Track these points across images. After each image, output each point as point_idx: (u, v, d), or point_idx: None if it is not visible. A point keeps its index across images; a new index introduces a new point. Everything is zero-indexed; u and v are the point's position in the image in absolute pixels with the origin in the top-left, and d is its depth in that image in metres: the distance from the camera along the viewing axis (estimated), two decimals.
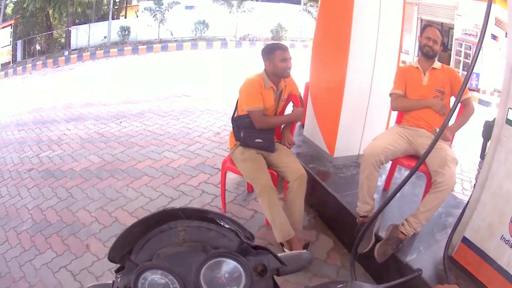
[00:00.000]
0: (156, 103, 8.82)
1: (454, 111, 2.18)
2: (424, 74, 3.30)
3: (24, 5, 22.62)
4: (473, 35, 13.58)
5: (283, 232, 3.04)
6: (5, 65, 21.04)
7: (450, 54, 17.59)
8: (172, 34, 22.26)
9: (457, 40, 16.37)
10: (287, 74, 3.28)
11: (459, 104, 2.96)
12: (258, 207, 3.83)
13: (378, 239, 2.90)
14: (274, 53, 3.21)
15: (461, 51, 16.80)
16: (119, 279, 0.98)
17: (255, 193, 3.51)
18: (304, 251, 1.35)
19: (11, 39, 21.47)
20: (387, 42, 3.95)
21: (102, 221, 4.30)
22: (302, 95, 3.74)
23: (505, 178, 2.30)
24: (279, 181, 3.48)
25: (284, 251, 2.70)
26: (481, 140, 6.00)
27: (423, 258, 2.73)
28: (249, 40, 21.61)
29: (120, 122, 7.73)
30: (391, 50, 4.00)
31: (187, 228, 1.01)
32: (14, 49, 22.24)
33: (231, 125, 3.54)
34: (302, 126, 5.03)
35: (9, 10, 23.89)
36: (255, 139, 3.29)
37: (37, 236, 4.30)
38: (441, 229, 3.08)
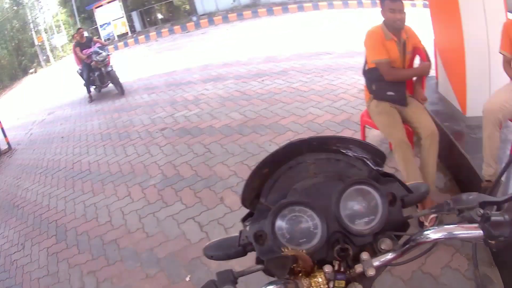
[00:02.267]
0: (299, 61, 8.53)
1: None
2: None
3: None
4: None
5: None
6: (123, 36, 22.20)
7: None
8: None
9: None
10: (398, 25, 3.22)
11: None
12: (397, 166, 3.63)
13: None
14: (384, 1, 3.21)
15: None
16: (247, 227, 0.99)
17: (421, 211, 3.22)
18: (421, 182, 1.36)
19: (123, 12, 22.66)
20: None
21: (241, 175, 4.32)
22: (429, 50, 3.64)
23: None
24: (415, 142, 3.57)
25: (417, 211, 2.87)
26: None
27: None
28: None
29: (262, 80, 7.61)
30: (498, 8, 3.78)
31: (316, 161, 1.03)
32: (130, 21, 23.43)
33: (364, 79, 3.60)
34: (437, 83, 4.98)
35: None
36: (386, 92, 3.34)
37: (166, 190, 4.46)
38: None
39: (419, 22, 3.37)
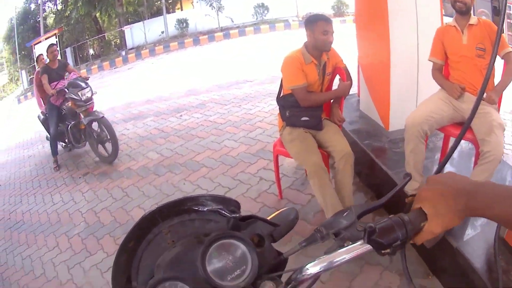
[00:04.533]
0: (218, 92, 9.14)
1: (492, 69, 1.98)
2: (463, 32, 3.20)
3: (66, 14, 24.35)
4: None
5: (334, 209, 3.05)
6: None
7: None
8: (232, 21, 22.64)
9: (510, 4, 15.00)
10: (328, 48, 3.30)
11: (502, 61, 2.97)
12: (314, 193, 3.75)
13: None
14: (316, 23, 3.24)
15: None
16: None
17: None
18: (287, 207, 1.25)
19: (58, 48, 22.84)
20: (427, 8, 3.96)
21: None
22: (353, 67, 3.78)
23: None
24: (331, 167, 3.51)
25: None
26: None
27: (474, 242, 2.65)
28: None
29: (181, 116, 8.12)
30: (432, 15, 3.99)
31: (171, 228, 1.01)
32: (64, 57, 23.71)
33: (278, 106, 3.65)
34: (359, 100, 5.09)
35: (50, 21, 25.78)
36: (301, 118, 3.36)
37: (89, 239, 4.64)
38: None
39: (346, 39, 3.56)
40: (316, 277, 0.89)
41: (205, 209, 1.03)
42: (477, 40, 3.15)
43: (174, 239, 1.00)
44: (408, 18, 3.91)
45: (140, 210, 4.86)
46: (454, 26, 3.24)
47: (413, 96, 4.18)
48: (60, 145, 7.47)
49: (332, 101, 3.59)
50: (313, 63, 3.35)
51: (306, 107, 3.37)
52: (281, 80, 3.54)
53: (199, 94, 9.39)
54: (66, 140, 7.27)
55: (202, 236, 0.97)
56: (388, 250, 0.86)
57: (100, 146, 6.62)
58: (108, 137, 6.34)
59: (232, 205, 1.05)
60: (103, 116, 6.31)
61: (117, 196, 5.46)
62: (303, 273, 0.87)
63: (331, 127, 3.46)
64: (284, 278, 0.93)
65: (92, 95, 6.51)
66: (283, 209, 1.20)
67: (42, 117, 7.52)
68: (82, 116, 6.51)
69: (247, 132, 6.15)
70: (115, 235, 4.55)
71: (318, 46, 3.28)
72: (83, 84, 6.45)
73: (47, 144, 8.05)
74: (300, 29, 17.60)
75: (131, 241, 0.99)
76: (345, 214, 0.94)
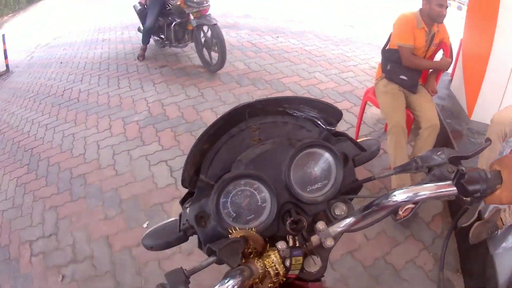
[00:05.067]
0: (320, 26, 8.41)
1: None
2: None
3: None
4: None
5: (401, 180, 3.09)
6: None
7: None
8: None
9: None
10: (440, 20, 3.34)
11: None
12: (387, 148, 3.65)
13: (479, 217, 2.88)
14: None
15: None
16: (187, 210, 0.91)
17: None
18: (372, 137, 1.10)
19: None
20: None
21: None
22: (452, 47, 3.76)
23: None
24: (412, 130, 3.69)
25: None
26: None
27: (510, 256, 2.60)
28: None
29: (277, 37, 7.47)
30: None
31: (261, 125, 0.98)
32: None
33: (381, 56, 3.68)
34: (451, 80, 5.12)
35: None
36: (400, 75, 3.46)
37: (147, 128, 4.45)
38: None
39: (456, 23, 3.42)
40: (396, 206, 0.87)
41: (301, 115, 0.99)
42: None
43: (262, 137, 0.97)
44: None
45: (212, 113, 4.64)
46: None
47: (499, 97, 4.11)
48: (152, 39, 6.60)
49: (430, 71, 3.66)
50: (424, 29, 3.39)
51: (407, 67, 3.44)
52: (390, 34, 3.58)
53: (299, 23, 8.59)
54: (163, 36, 6.34)
55: (295, 140, 0.95)
56: (468, 199, 0.87)
57: (205, 52, 5.72)
58: (216, 46, 5.36)
59: (332, 114, 1.00)
60: (216, 24, 5.25)
61: (191, 94, 5.16)
62: (389, 199, 0.86)
63: (424, 94, 3.51)
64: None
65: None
66: (367, 138, 1.09)
67: (139, 7, 6.59)
68: (192, 16, 5.56)
69: (339, 71, 5.80)
70: (177, 131, 4.35)
71: (432, 16, 3.31)
72: None
73: (128, 32, 7.75)
74: None
75: (207, 141, 0.94)
76: (438, 153, 0.94)
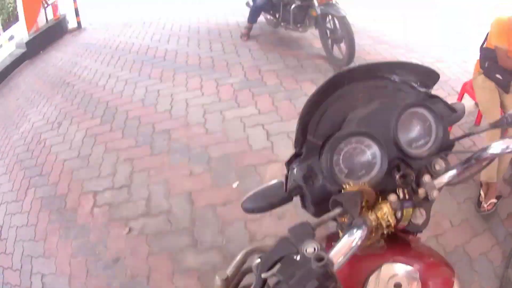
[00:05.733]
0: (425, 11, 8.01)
1: None
2: None
3: None
4: None
5: (489, 173, 3.06)
6: None
7: None
8: None
9: None
10: None
11: None
12: (477, 138, 3.67)
13: None
14: None
15: None
16: (294, 170, 0.96)
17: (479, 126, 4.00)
18: (459, 102, 1.19)
19: None
20: None
21: None
22: None
23: None
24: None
25: (480, 193, 3.05)
26: None
27: None
28: None
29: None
30: None
31: (365, 88, 1.02)
32: None
33: (479, 53, 3.65)
34: None
35: None
36: (496, 73, 3.48)
37: (243, 92, 4.28)
38: None
39: None
40: (493, 158, 0.95)
41: (398, 79, 1.04)
42: None
43: (365, 99, 1.01)
44: None
45: (313, 85, 4.36)
46: None
47: None
48: (263, 16, 5.98)
49: None
50: None
51: (503, 67, 3.45)
52: (488, 32, 3.56)
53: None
54: (278, 16, 5.63)
55: (394, 101, 1.01)
56: None
57: (330, 42, 5.04)
58: (344, 40, 4.73)
59: (429, 77, 1.06)
60: (345, 16, 4.60)
61: (290, 63, 4.93)
62: (488, 151, 0.92)
63: None
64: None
65: None
66: (455, 102, 1.13)
67: None
68: (315, 2, 4.83)
69: (434, 60, 5.45)
70: (275, 97, 4.15)
71: None
72: None
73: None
74: None
75: (324, 89, 0.98)
76: None
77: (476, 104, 3.80)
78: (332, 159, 0.89)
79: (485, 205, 3.09)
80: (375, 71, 1.03)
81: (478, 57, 3.75)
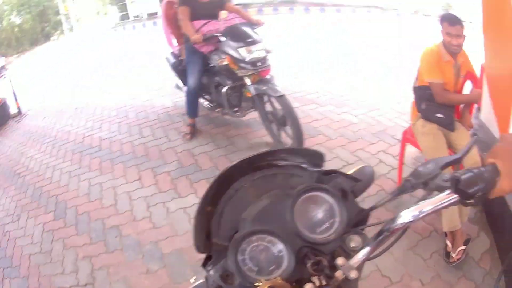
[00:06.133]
0: (341, 59, 8.53)
1: None
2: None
3: None
4: None
5: (451, 222, 3.02)
6: (152, 15, 21.05)
7: None
8: None
9: None
10: (453, 50, 3.30)
11: None
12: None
13: None
14: (442, 24, 3.29)
15: None
16: (211, 272, 0.98)
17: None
18: (365, 165, 1.19)
19: None
20: None
21: None
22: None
23: None
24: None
25: (447, 243, 2.97)
26: None
27: None
28: (423, 14, 18.96)
29: (295, 78, 7.46)
30: None
31: (253, 182, 1.04)
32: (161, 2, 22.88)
33: (413, 95, 3.62)
34: (479, 108, 4.68)
35: None
36: (435, 113, 3.39)
37: (181, 180, 4.35)
38: None
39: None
40: (405, 227, 0.92)
41: (286, 163, 1.06)
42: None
43: (258, 193, 1.02)
44: None
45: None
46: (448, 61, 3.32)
47: None
48: (204, 103, 5.39)
49: (462, 106, 3.64)
50: (451, 62, 3.35)
51: (441, 103, 3.37)
52: (418, 69, 3.50)
53: (319, 61, 8.57)
54: (208, 97, 5.28)
55: (289, 189, 1.00)
56: (472, 201, 0.89)
57: (274, 127, 4.51)
58: (287, 121, 4.21)
59: (317, 157, 1.08)
60: (282, 95, 4.11)
61: (220, 143, 5.03)
62: (397, 222, 0.91)
63: (462, 130, 3.45)
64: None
65: (266, 55, 4.35)
66: (361, 166, 1.17)
67: (172, 60, 5.70)
68: (248, 81, 4.33)
69: (367, 110, 5.69)
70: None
71: (445, 46, 3.31)
72: (252, 37, 4.30)
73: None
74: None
75: (208, 205, 1.01)
76: (429, 165, 0.97)
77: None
78: (237, 261, 0.90)
79: (454, 255, 2.97)
80: (260, 161, 1.05)
81: (412, 98, 3.63)
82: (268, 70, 4.40)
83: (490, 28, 4.26)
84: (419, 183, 0.95)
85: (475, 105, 4.09)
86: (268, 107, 4.42)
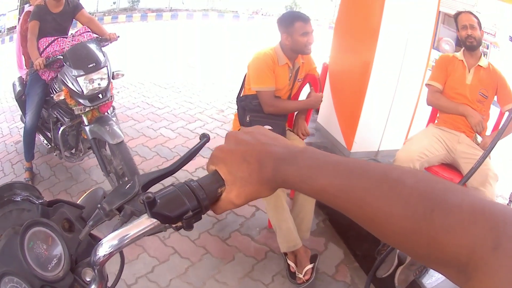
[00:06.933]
0: (160, 72, 8.44)
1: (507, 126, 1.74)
2: (469, 71, 3.15)
3: None
4: (491, 34, 12.51)
5: (289, 242, 2.80)
6: (11, 30, 20.10)
7: None
8: (183, 3, 21.68)
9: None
10: (308, 50, 3.03)
11: (507, 113, 3.03)
12: (261, 205, 3.54)
13: (400, 262, 2.78)
14: (294, 25, 2.93)
15: None
16: None
17: None
18: (95, 187, 1.10)
19: (18, 4, 20.45)
20: (420, 32, 3.86)
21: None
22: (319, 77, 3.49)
23: None
24: None
25: (288, 263, 2.76)
26: None
27: (447, 286, 2.53)
28: (262, 14, 20.76)
29: (118, 92, 7.00)
30: (423, 41, 3.89)
31: None
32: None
33: (236, 106, 3.31)
34: (317, 111, 4.76)
35: None
36: (263, 125, 3.00)
37: None
38: None
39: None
40: (104, 261, 0.78)
41: (18, 198, 0.99)
42: (482, 85, 3.10)
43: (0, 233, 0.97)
44: (398, 37, 3.78)
45: (67, 195, 4.07)
46: (462, 60, 3.18)
47: (383, 119, 4.05)
48: (44, 141, 4.46)
49: (296, 112, 3.35)
50: (287, 65, 3.08)
51: (270, 114, 3.09)
52: (245, 76, 3.22)
53: (139, 73, 8.40)
54: (49, 134, 4.26)
55: (18, 226, 0.93)
56: (180, 224, 0.73)
57: (113, 176, 3.68)
58: (123, 170, 3.44)
59: (35, 190, 1.02)
60: (122, 141, 3.41)
61: (44, 175, 4.50)
62: (98, 256, 0.76)
63: (295, 140, 3.16)
64: None
65: (109, 83, 3.53)
66: (90, 190, 1.08)
67: (18, 88, 4.45)
68: (85, 120, 3.53)
69: (185, 123, 5.60)
70: None
71: (297, 49, 3.01)
72: (96, 59, 3.42)
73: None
74: (248, 21, 17.67)
75: None
76: (127, 186, 0.85)
77: None
78: None
79: (302, 276, 2.70)
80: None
81: (235, 109, 3.31)
82: (110, 103, 3.64)
83: (342, 29, 4.37)
84: (112, 209, 0.79)
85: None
86: (108, 150, 3.66)
